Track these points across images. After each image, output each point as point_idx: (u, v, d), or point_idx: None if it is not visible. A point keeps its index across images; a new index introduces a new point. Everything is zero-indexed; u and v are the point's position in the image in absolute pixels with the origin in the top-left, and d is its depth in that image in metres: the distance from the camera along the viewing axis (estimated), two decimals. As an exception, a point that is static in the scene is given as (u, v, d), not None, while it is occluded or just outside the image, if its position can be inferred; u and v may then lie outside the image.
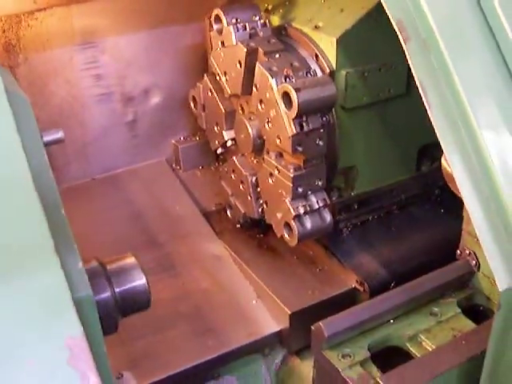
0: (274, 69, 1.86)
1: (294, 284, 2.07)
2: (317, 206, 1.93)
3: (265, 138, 1.97)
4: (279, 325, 2.00)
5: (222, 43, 2.04)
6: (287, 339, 2.00)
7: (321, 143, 1.86)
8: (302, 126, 1.80)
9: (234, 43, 1.96)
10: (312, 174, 1.91)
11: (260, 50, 1.92)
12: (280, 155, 1.96)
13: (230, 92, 2.08)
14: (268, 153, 1.98)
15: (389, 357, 1.72)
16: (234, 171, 2.19)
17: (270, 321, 2.03)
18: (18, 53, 2.15)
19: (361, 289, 2.01)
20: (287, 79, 1.81)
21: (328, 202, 1.95)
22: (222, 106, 2.15)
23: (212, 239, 2.30)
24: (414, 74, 1.29)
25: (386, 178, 2.17)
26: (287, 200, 1.92)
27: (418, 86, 1.29)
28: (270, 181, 1.98)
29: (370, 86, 1.97)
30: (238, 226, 2.32)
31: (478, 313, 1.83)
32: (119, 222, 2.33)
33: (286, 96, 1.77)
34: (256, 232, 2.30)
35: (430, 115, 1.28)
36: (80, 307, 0.90)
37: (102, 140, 2.43)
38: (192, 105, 2.34)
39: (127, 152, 2.50)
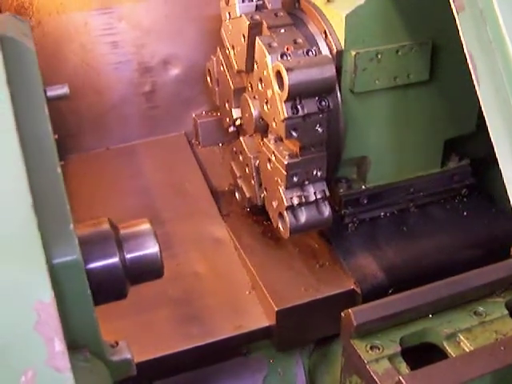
0: (274, 45, 1.70)
1: (288, 279, 1.92)
2: (313, 198, 1.77)
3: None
4: (268, 321, 1.88)
5: (230, 14, 1.90)
6: (274, 337, 1.88)
7: (320, 130, 1.69)
8: (296, 110, 1.64)
9: (238, 15, 1.82)
10: (309, 163, 1.74)
11: (264, 23, 1.77)
12: (280, 139, 1.80)
13: (236, 67, 1.94)
14: (267, 136, 1.84)
15: (428, 354, 1.60)
16: (241, 152, 2.06)
17: (259, 315, 1.90)
18: (31, 16, 2.10)
19: (359, 291, 1.84)
20: (284, 57, 1.65)
21: (327, 194, 1.78)
22: (231, 82, 2.02)
23: (216, 221, 2.19)
24: (464, 48, 1.15)
25: (403, 172, 1.97)
26: (281, 189, 1.77)
27: (468, 60, 1.14)
28: (269, 166, 1.84)
29: (385, 69, 1.77)
30: (248, 209, 2.20)
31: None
32: (125, 195, 2.26)
33: (279, 75, 1.61)
34: (263, 218, 2.16)
35: (478, 93, 1.12)
36: (64, 271, 0.87)
37: (118, 109, 2.36)
38: (208, 79, 2.22)
39: (144, 123, 2.42)
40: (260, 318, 1.90)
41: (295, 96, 1.60)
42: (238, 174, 2.13)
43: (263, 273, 1.95)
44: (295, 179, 1.75)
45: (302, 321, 1.86)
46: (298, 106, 1.63)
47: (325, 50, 1.75)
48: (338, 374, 1.69)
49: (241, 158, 2.07)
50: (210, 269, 2.05)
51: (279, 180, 1.78)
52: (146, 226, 1.10)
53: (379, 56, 1.74)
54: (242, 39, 1.82)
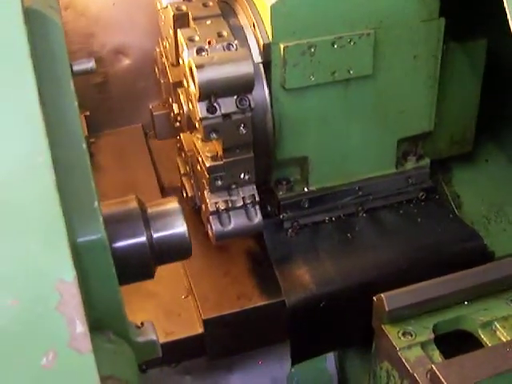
0: (196, 38, 1.57)
1: (223, 285, 1.81)
2: (241, 203, 1.65)
3: (196, 117, 1.71)
4: (200, 329, 1.78)
5: (160, 4, 1.77)
6: (205, 346, 1.77)
7: (244, 130, 1.56)
8: (214, 109, 1.52)
9: (164, 5, 1.69)
10: (235, 166, 1.62)
11: (190, 14, 1.64)
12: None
13: (170, 60, 1.82)
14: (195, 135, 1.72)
15: (463, 343, 1.54)
16: (182, 149, 1.95)
17: (193, 322, 1.80)
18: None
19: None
20: (201, 52, 1.52)
21: (257, 198, 1.66)
22: (170, 75, 1.90)
23: (162, 220, 2.09)
24: (509, 21, 1.09)
25: (349, 174, 1.83)
26: (205, 192, 1.66)
27: None
28: (199, 167, 1.73)
29: (320, 63, 1.62)
30: (197, 208, 2.09)
31: None
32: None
33: (191, 72, 1.49)
34: (209, 218, 2.05)
35: None
36: (89, 251, 0.86)
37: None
38: (156, 70, 2.10)
39: (98, 116, 2.32)
40: (193, 326, 1.80)
41: (209, 95, 1.47)
42: (182, 171, 2.03)
43: (198, 278, 1.84)
44: (219, 183, 1.63)
45: (233, 330, 1.75)
46: (215, 105, 1.51)
47: (253, 44, 1.62)
48: (368, 359, 1.65)
49: (183, 154, 1.96)
50: (148, 271, 1.96)
51: (205, 183, 1.67)
52: (174, 205, 1.08)
53: (312, 49, 1.59)
54: (170, 31, 1.70)
